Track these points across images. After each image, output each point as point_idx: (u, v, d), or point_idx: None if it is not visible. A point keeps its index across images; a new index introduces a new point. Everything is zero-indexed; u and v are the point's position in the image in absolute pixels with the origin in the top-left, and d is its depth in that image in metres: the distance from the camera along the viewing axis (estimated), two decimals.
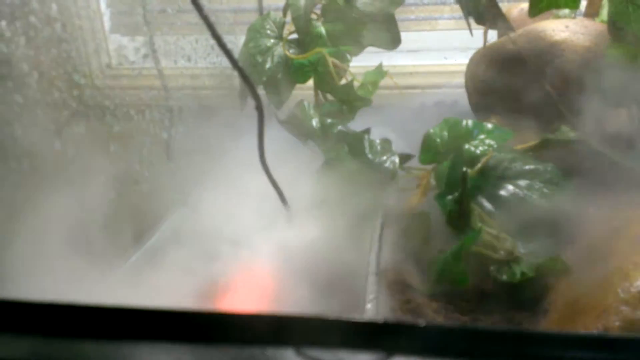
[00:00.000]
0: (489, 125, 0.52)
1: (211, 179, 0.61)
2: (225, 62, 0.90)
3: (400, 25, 0.74)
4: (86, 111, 0.69)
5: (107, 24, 0.96)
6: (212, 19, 1.00)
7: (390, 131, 0.71)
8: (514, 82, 0.68)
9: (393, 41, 0.69)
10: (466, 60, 0.78)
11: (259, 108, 0.42)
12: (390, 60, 0.92)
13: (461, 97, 0.81)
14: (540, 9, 0.59)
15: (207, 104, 0.85)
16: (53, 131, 0.59)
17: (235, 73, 0.73)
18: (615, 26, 0.54)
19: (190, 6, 0.90)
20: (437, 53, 0.96)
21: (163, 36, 0.90)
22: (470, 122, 0.52)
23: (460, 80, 0.80)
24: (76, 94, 0.62)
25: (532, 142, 0.56)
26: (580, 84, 0.62)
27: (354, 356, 0.16)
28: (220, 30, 1.00)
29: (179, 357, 0.17)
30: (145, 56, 0.94)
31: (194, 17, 0.89)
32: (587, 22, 0.66)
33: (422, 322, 0.16)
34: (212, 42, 0.90)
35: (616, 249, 0.37)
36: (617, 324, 0.30)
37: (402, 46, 0.94)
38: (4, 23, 0.43)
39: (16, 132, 0.46)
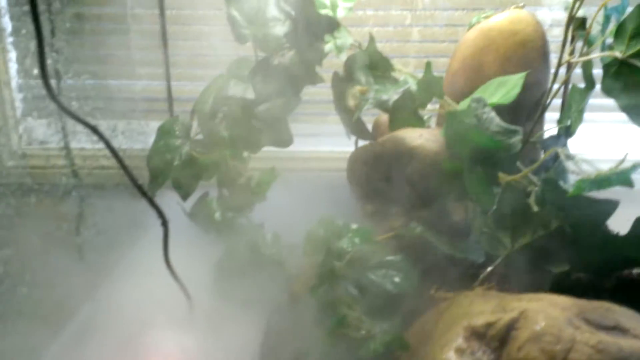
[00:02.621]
0: (354, 226, 0.65)
1: (120, 269, 0.68)
2: (135, 144, 0.98)
3: (295, 118, 0.86)
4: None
5: (19, 109, 1.00)
6: (124, 106, 1.08)
7: (285, 214, 0.82)
8: (383, 177, 0.84)
9: (286, 141, 0.82)
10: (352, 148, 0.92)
11: (164, 224, 0.52)
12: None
13: (346, 181, 0.95)
14: (397, 127, 0.75)
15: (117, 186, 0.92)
16: None
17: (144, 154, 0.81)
18: (448, 144, 0.71)
19: (99, 93, 0.98)
20: (330, 139, 1.10)
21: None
22: (340, 222, 0.66)
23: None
24: None
25: (391, 234, 0.70)
26: (431, 182, 0.78)
27: None
28: (133, 116, 1.09)
29: None
30: (55, 136, 0.99)
31: (101, 103, 0.96)
32: (437, 132, 0.84)
33: None
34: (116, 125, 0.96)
35: (436, 331, 0.50)
36: None
37: (300, 131, 1.09)
38: None
39: None
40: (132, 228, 0.79)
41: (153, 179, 0.79)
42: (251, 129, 0.79)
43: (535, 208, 0.61)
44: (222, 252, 0.68)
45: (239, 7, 0.77)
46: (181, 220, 0.78)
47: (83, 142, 0.94)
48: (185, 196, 0.77)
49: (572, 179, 0.64)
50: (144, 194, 0.51)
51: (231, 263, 0.66)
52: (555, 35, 0.91)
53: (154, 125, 0.93)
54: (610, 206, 0.55)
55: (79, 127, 0.97)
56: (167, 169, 0.78)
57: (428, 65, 0.66)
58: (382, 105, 0.69)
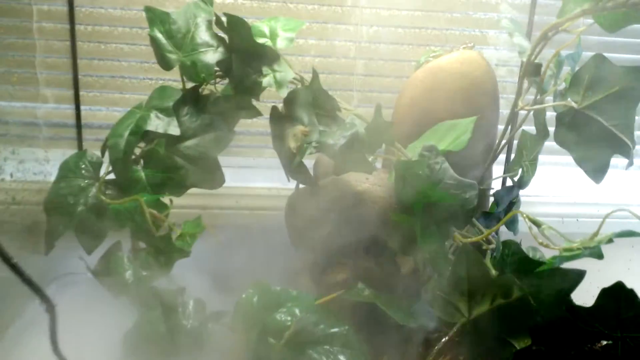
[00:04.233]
0: (294, 292, 0.56)
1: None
2: (34, 177, 0.83)
3: (227, 150, 0.75)
4: None
5: None
6: (23, 132, 0.92)
7: (212, 269, 0.71)
8: (325, 223, 0.76)
9: (216, 182, 0.71)
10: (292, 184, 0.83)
11: (50, 311, 0.40)
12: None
13: (284, 223, 0.86)
14: (343, 172, 0.68)
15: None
16: None
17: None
18: (398, 196, 0.65)
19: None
20: (267, 174, 0.99)
21: None
22: (278, 288, 0.56)
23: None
24: None
25: (332, 295, 0.61)
26: (377, 230, 0.71)
27: None
28: (34, 144, 0.93)
29: None
30: None
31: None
32: (384, 175, 0.77)
33: None
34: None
35: None
36: None
37: (233, 164, 0.98)
38: None
39: None
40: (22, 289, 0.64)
41: (51, 229, 0.66)
42: (175, 169, 0.68)
43: (494, 272, 0.55)
44: (132, 322, 0.56)
45: (164, 29, 0.66)
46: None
47: None
48: (90, 249, 0.65)
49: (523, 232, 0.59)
50: (20, 274, 0.39)
51: (143, 337, 0.54)
52: (501, 76, 0.88)
53: (59, 154, 0.79)
54: (577, 276, 0.50)
55: None
56: (69, 216, 0.66)
57: (378, 108, 0.59)
58: (327, 150, 0.61)
